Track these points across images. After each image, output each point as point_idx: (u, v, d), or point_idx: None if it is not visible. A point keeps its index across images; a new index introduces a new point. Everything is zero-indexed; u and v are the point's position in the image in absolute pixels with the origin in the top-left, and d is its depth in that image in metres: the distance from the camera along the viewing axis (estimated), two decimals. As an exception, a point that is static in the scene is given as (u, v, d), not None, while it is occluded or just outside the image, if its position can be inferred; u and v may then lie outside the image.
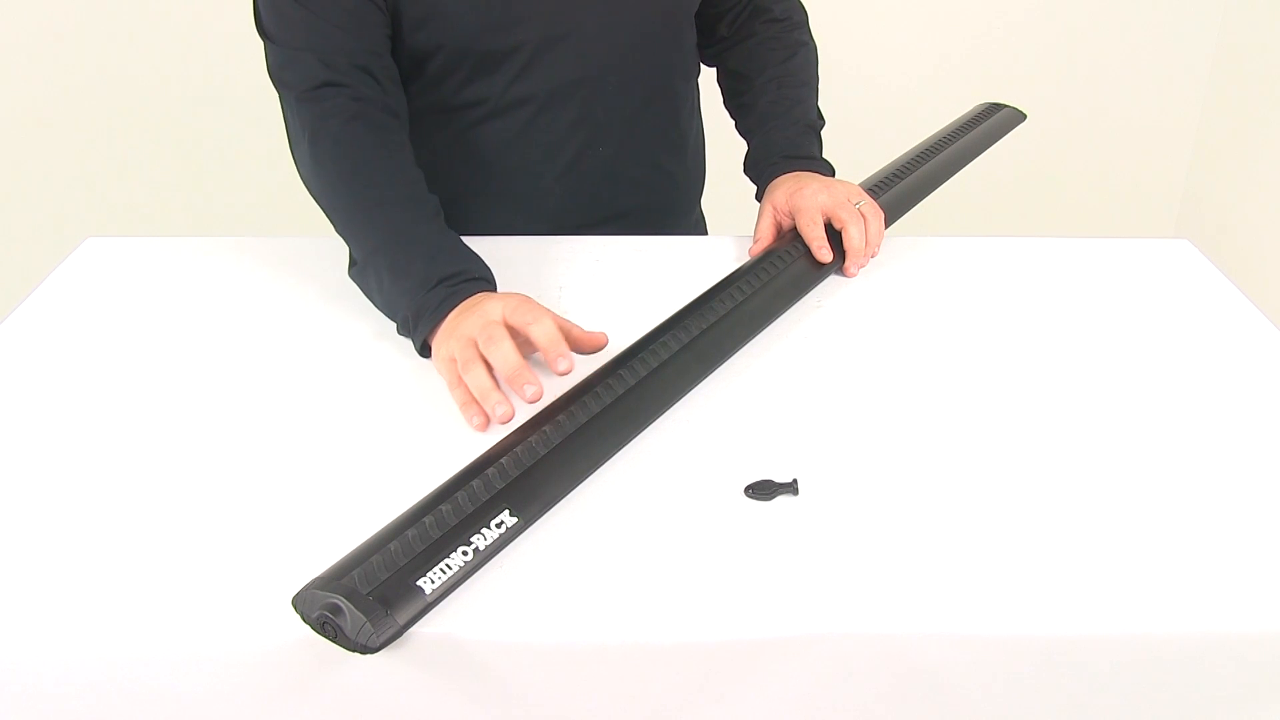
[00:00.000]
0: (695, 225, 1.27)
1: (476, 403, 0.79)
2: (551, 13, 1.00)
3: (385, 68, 0.98)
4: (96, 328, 0.93)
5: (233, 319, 0.95)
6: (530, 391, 0.77)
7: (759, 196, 1.10)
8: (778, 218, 1.04)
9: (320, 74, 0.94)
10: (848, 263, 1.00)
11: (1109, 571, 0.66)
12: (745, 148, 1.14)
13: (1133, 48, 2.22)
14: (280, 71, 0.96)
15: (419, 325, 0.85)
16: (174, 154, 2.20)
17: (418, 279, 0.87)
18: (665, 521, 0.70)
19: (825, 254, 0.98)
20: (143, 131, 2.17)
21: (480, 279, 0.88)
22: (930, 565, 0.67)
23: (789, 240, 1.01)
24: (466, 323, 0.82)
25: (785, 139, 1.09)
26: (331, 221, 0.95)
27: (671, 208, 1.21)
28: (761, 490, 0.72)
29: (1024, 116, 1.31)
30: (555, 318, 0.82)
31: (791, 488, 0.72)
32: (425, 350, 0.87)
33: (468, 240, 0.93)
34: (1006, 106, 1.31)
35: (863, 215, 1.00)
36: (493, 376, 0.79)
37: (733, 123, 1.18)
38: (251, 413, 0.81)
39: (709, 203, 1.28)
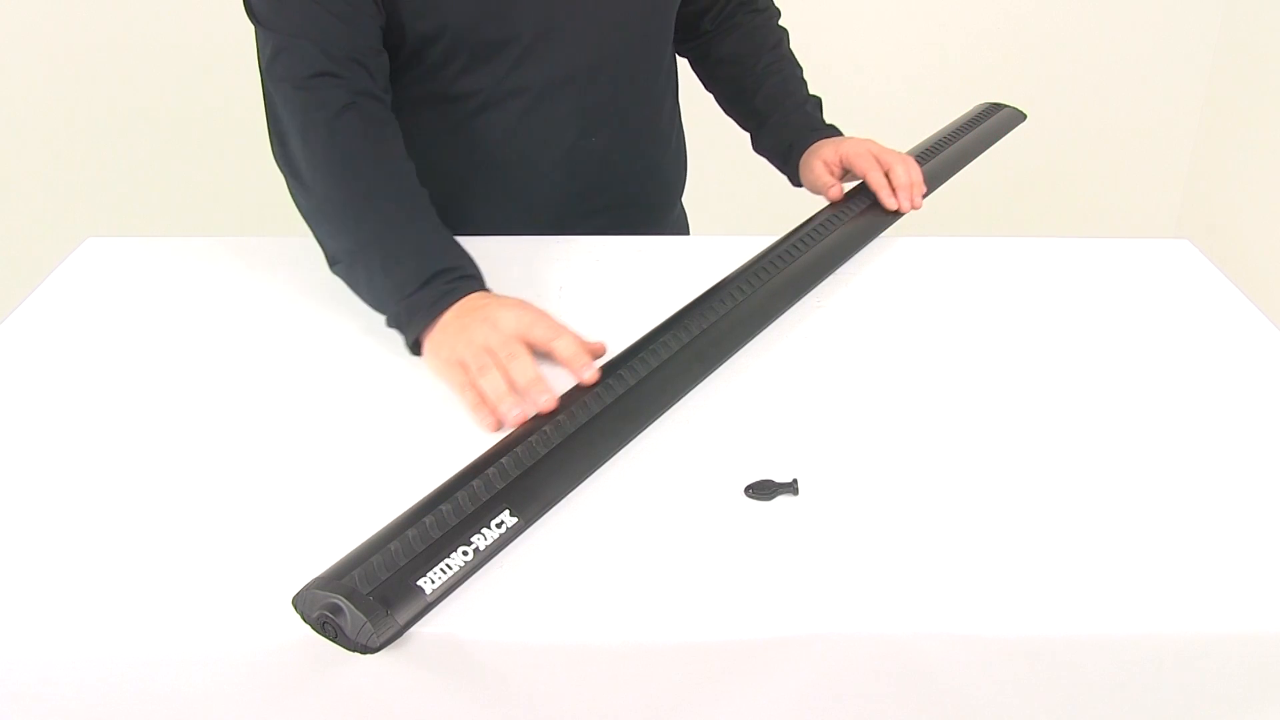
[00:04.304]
0: (678, 220, 1.29)
1: (488, 406, 0.80)
2: (549, 3, 1.00)
3: (380, 65, 0.98)
4: (96, 328, 0.93)
5: (233, 319, 0.95)
6: (544, 400, 0.79)
7: (794, 171, 1.16)
8: (830, 169, 1.12)
9: (317, 63, 0.93)
10: (900, 195, 1.07)
11: (1109, 571, 0.66)
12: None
13: (1133, 48, 2.22)
14: (272, 62, 0.94)
15: (412, 321, 0.86)
16: (174, 154, 2.20)
17: (409, 273, 0.88)
18: (665, 521, 0.70)
19: (891, 201, 1.07)
20: (143, 131, 2.16)
21: (472, 277, 0.90)
22: (929, 565, 0.67)
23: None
24: (476, 330, 0.84)
25: (805, 114, 1.17)
26: (317, 215, 0.94)
27: (658, 200, 1.24)
28: (761, 490, 0.72)
29: (1024, 116, 1.31)
30: (568, 330, 0.85)
31: (791, 488, 0.72)
32: (416, 348, 0.87)
33: (467, 240, 0.93)
34: (1006, 106, 1.31)
35: (903, 158, 1.10)
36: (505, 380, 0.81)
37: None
38: (251, 413, 0.81)
39: (687, 199, 1.30)
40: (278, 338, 0.92)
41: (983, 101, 1.34)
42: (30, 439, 0.79)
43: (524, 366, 0.81)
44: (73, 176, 2.21)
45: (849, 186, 1.13)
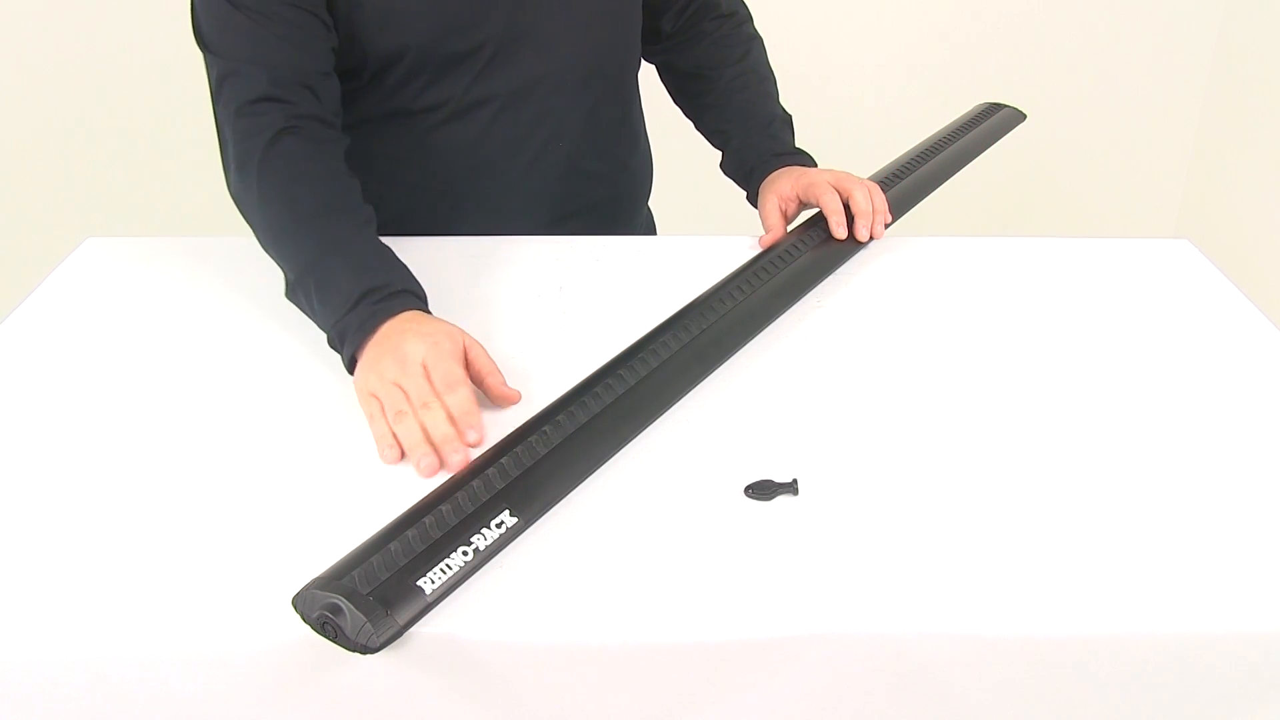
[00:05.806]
0: (646, 221, 1.28)
1: (397, 442, 0.75)
2: (511, 11, 1.00)
3: (329, 88, 0.96)
4: (96, 328, 0.93)
5: (233, 319, 0.95)
6: (456, 460, 0.74)
7: (752, 196, 1.12)
8: (783, 206, 1.07)
9: (261, 88, 0.91)
10: (858, 224, 1.02)
11: (1109, 572, 0.66)
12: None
13: (1133, 48, 2.22)
14: (219, 86, 0.93)
15: (345, 344, 0.83)
16: (174, 154, 2.20)
17: (341, 295, 0.83)
18: (665, 521, 0.70)
19: (842, 231, 1.02)
20: (143, 131, 2.16)
21: (405, 292, 0.85)
22: (930, 565, 0.67)
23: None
24: (385, 364, 0.79)
25: (769, 137, 1.13)
26: (263, 245, 0.92)
27: (628, 202, 1.23)
28: (761, 490, 0.72)
29: (1024, 116, 1.31)
30: (469, 382, 0.79)
31: (791, 488, 0.72)
32: (353, 367, 0.83)
33: (468, 239, 0.92)
34: (1006, 106, 1.31)
35: (865, 185, 1.04)
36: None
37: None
38: (251, 413, 0.81)
39: (652, 200, 1.29)
40: (278, 337, 0.92)
41: (982, 101, 1.34)
42: (30, 439, 0.79)
43: (435, 420, 0.75)
44: (73, 176, 2.21)
45: (806, 216, 1.08)
